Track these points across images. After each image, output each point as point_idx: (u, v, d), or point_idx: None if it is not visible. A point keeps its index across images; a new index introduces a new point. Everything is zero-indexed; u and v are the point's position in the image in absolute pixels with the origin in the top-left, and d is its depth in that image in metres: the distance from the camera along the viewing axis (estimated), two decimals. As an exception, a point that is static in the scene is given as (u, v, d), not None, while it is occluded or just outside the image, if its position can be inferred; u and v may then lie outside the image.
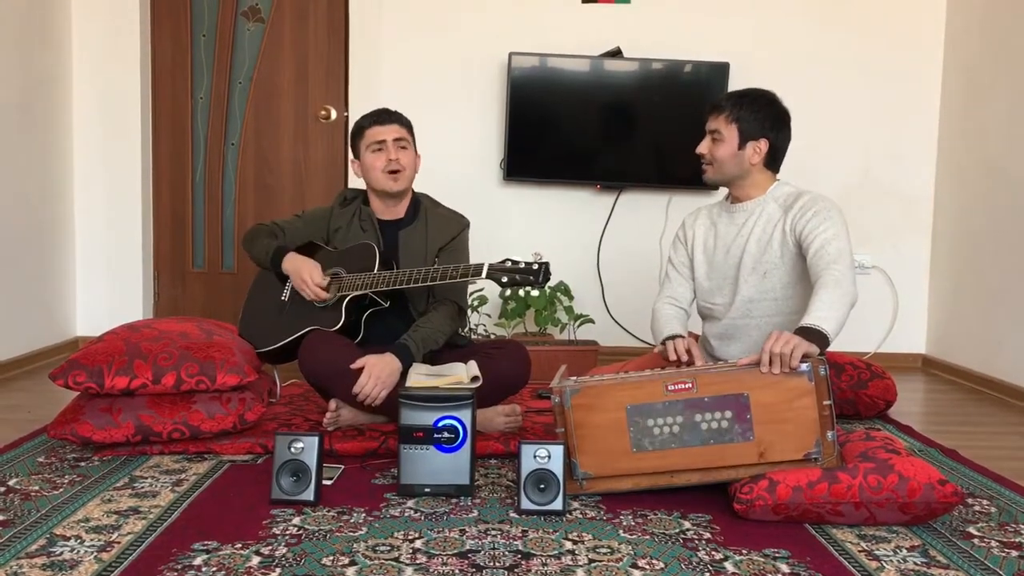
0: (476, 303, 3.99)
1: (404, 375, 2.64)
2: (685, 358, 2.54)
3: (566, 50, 4.34)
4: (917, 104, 4.48)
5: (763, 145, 2.66)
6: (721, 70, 4.29)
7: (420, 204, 3.04)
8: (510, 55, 4.30)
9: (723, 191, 2.86)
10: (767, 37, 4.44)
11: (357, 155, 3.00)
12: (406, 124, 2.99)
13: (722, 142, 2.67)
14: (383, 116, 2.97)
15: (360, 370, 2.66)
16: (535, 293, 3.96)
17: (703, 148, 2.73)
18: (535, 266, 2.60)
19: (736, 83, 3.99)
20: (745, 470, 2.19)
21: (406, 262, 2.90)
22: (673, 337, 2.66)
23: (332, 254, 2.94)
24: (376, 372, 2.65)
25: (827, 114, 4.44)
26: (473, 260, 2.90)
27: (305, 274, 2.85)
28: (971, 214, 4.19)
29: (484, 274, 2.62)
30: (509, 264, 2.62)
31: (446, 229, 2.98)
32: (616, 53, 4.34)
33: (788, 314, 2.64)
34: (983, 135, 4.11)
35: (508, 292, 3.96)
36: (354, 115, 4.43)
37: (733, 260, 2.72)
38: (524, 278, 2.60)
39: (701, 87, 4.33)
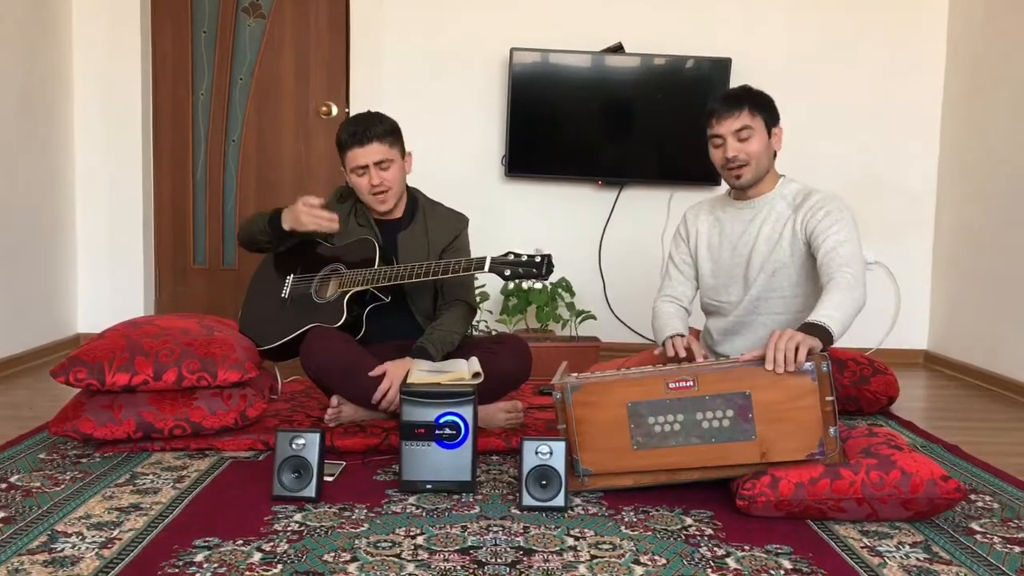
0: (478, 299, 3.98)
1: None
2: (683, 354, 2.53)
3: (568, 46, 4.34)
4: (920, 99, 4.47)
5: (780, 131, 2.66)
6: (723, 66, 4.28)
7: (417, 202, 2.99)
8: (511, 51, 4.29)
9: (724, 185, 2.83)
10: (769, 33, 4.43)
11: (345, 166, 2.90)
12: (388, 138, 2.80)
13: (753, 136, 2.59)
14: (361, 136, 2.77)
15: (378, 377, 2.65)
16: (538, 286, 3.94)
17: (734, 151, 2.58)
18: (538, 259, 2.58)
19: (738, 79, 3.97)
20: (747, 469, 2.18)
21: (407, 263, 2.88)
22: (674, 337, 2.65)
23: (330, 249, 2.93)
24: (397, 380, 2.60)
25: (829, 109, 4.44)
26: (474, 255, 2.88)
27: (303, 203, 2.81)
28: (974, 209, 4.18)
29: (487, 268, 2.60)
30: (512, 257, 2.60)
31: (447, 230, 2.94)
32: (618, 49, 4.33)
33: (795, 312, 2.63)
34: (986, 129, 4.10)
35: (511, 285, 3.95)
36: (355, 111, 4.41)
37: (741, 258, 2.70)
38: (528, 271, 2.58)
39: (703, 83, 4.32)
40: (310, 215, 2.81)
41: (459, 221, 2.99)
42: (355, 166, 2.82)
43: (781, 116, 2.69)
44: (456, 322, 2.85)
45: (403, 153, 2.90)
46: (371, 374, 2.65)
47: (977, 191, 4.16)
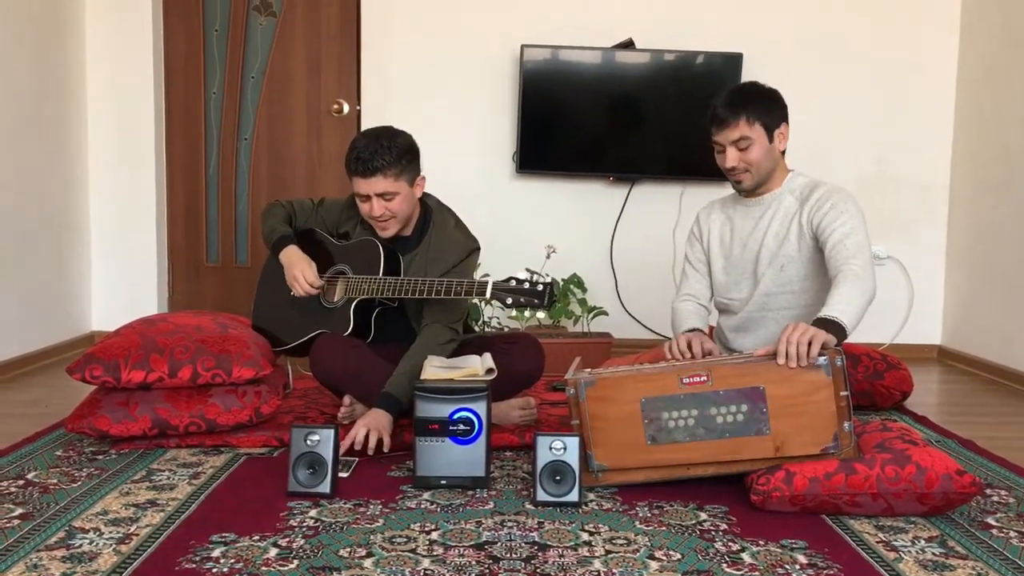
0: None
1: (396, 417, 2.57)
2: (687, 356, 2.49)
3: (578, 42, 4.33)
4: (932, 92, 4.45)
5: (785, 129, 2.63)
6: (734, 61, 4.27)
7: (428, 220, 2.86)
8: (522, 47, 4.29)
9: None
10: (780, 27, 4.41)
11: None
12: (393, 169, 2.67)
13: (753, 145, 2.58)
14: (365, 168, 2.66)
15: (386, 375, 2.63)
16: (541, 315, 3.91)
17: (733, 161, 2.60)
18: (540, 286, 2.54)
19: (749, 74, 3.97)
20: (762, 463, 2.18)
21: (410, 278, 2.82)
22: (687, 332, 2.63)
23: (337, 248, 2.92)
24: (366, 423, 2.51)
25: (842, 103, 4.42)
26: (482, 268, 2.79)
27: (297, 271, 2.79)
28: (987, 203, 4.16)
29: (488, 294, 2.57)
30: (513, 283, 2.54)
31: (448, 256, 2.81)
32: (628, 44, 4.33)
33: (804, 307, 2.63)
34: (999, 123, 4.08)
35: (513, 313, 3.91)
36: (366, 109, 4.45)
37: (750, 254, 2.69)
38: (528, 300, 2.52)
39: (714, 78, 4.30)
40: (299, 286, 2.80)
41: (464, 248, 2.84)
42: (358, 192, 2.74)
43: (791, 110, 2.68)
44: (429, 350, 2.69)
45: (413, 180, 2.74)
46: (342, 451, 2.44)
47: (990, 184, 4.14)
